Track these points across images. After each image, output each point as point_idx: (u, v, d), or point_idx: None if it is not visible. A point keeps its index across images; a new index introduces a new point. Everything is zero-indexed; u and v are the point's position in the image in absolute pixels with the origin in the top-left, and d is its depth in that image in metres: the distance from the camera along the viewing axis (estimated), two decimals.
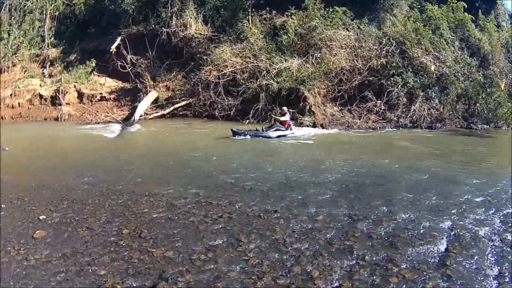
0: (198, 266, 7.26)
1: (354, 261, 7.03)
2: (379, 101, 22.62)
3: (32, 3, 43.36)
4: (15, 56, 42.65)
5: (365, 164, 14.46)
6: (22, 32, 44.16)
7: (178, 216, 9.97)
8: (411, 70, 23.39)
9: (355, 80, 23.22)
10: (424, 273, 6.60)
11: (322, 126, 21.96)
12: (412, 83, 22.79)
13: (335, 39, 24.51)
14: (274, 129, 21.18)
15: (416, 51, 23.58)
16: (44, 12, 43.36)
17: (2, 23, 46.67)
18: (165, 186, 12.49)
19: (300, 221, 9.02)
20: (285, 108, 22.36)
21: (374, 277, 6.53)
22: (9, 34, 45.31)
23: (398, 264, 6.86)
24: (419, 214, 9.18)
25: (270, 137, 20.59)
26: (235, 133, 20.58)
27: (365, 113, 22.48)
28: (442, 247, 7.55)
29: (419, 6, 27.58)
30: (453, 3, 27.78)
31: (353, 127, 21.60)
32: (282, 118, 21.43)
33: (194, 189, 12.05)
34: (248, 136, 20.53)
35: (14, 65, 42.29)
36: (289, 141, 19.69)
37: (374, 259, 7.09)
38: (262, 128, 21.47)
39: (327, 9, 26.21)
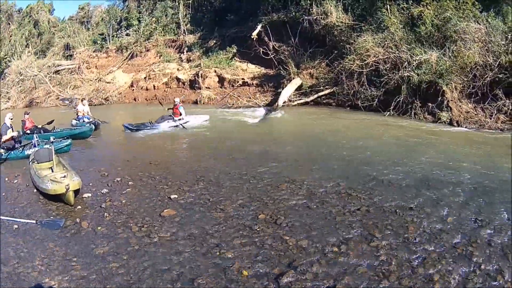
0: (329, 258, 8.20)
1: (471, 268, 7.73)
2: (507, 101, 22.33)
3: None
4: (149, 42, 50.35)
5: (494, 167, 14.32)
6: (154, 19, 51.46)
7: (317, 205, 11.05)
8: None
9: (487, 77, 23.07)
10: None
11: (458, 123, 22.48)
12: None
13: (468, 32, 24.80)
14: (166, 120, 25.06)
15: None
16: (177, 0, 49.66)
17: (130, 10, 53.83)
18: (306, 174, 13.94)
19: (432, 221, 9.78)
20: (177, 99, 27.03)
21: (484, 287, 7.27)
22: (139, 21, 53.40)
23: (504, 276, 7.50)
24: None
25: (161, 129, 24.25)
26: (126, 128, 23.93)
27: (495, 112, 22.34)
28: None
29: None
30: None
31: (484, 126, 21.66)
32: (181, 110, 25.69)
33: (335, 178, 13.24)
34: (140, 131, 23.82)
35: (147, 50, 50.13)
36: (431, 138, 19.81)
37: (488, 268, 7.74)
38: (150, 121, 25.01)
39: (457, 0, 26.70)
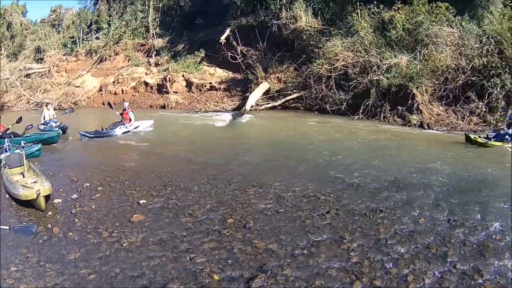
0: (300, 262, 8.18)
1: (447, 268, 7.75)
2: (480, 103, 22.89)
3: None
4: (117, 46, 49.40)
5: (466, 168, 14.69)
6: (123, 22, 50.64)
7: (285, 209, 10.98)
8: (508, 71, 23.20)
9: (459, 79, 23.66)
10: (503, 287, 7.28)
11: (429, 126, 22.79)
12: (509, 86, 22.67)
13: (440, 35, 25.19)
14: (119, 126, 24.04)
15: None
16: (147, 4, 48.72)
17: (100, 13, 53.12)
18: (274, 178, 13.80)
19: (403, 222, 9.82)
20: (126, 104, 26.18)
21: (461, 286, 7.27)
22: (109, 24, 52.59)
23: (483, 275, 7.49)
24: (509, 225, 9.59)
25: (116, 135, 23.36)
26: (83, 136, 22.61)
27: (467, 114, 22.92)
28: None
29: (511, 4, 26.74)
30: None
31: (456, 128, 22.08)
32: (130, 115, 24.74)
33: (303, 182, 13.21)
34: (98, 138, 22.76)
35: (116, 54, 49.15)
36: (401, 140, 20.19)
37: (464, 267, 7.76)
38: (102, 128, 23.75)
39: (430, 4, 26.98)
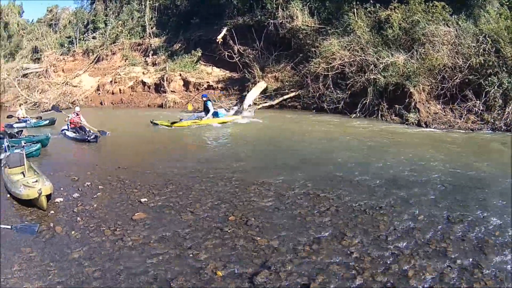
0: (302, 257, 8.18)
1: (447, 264, 7.76)
2: (478, 101, 22.82)
3: None
4: (114, 45, 49.66)
5: (464, 166, 14.66)
6: (120, 22, 50.87)
7: (286, 206, 11.01)
8: (505, 70, 23.01)
9: (456, 78, 23.66)
10: (503, 282, 7.27)
11: (426, 124, 22.71)
12: (506, 84, 22.41)
13: (437, 34, 25.21)
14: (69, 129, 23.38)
15: (509, 50, 23.36)
16: (143, 3, 49.11)
17: (97, 13, 53.10)
18: (274, 176, 13.78)
19: (403, 219, 9.84)
20: (77, 108, 25.15)
21: (461, 282, 7.24)
22: (105, 24, 52.74)
23: (482, 271, 7.51)
24: (508, 221, 9.61)
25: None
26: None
27: (465, 113, 22.85)
28: None
29: (507, 3, 27.44)
30: None
31: (454, 127, 22.08)
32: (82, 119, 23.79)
33: (302, 180, 13.23)
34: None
35: (113, 54, 49.36)
36: (399, 139, 20.20)
37: (463, 263, 7.80)
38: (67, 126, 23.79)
39: (427, 3, 27.06)
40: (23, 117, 30.34)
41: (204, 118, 26.21)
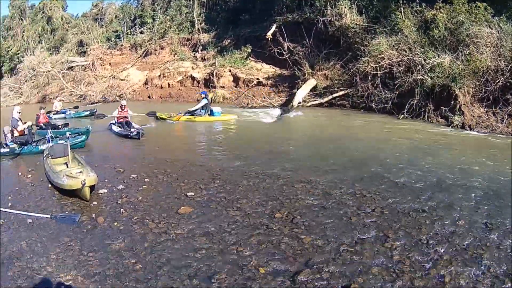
0: (344, 258, 8.40)
1: (481, 271, 7.93)
2: None
3: None
4: (163, 40, 51.25)
5: (505, 171, 14.51)
6: (168, 17, 52.52)
7: (332, 206, 11.27)
8: None
9: (499, 81, 23.37)
10: None
11: (470, 127, 22.72)
12: None
13: (480, 36, 24.93)
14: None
15: None
16: None
17: (144, 8, 54.89)
18: (322, 174, 14.12)
19: (444, 223, 10.01)
20: (123, 101, 26.31)
21: None
22: (153, 19, 54.55)
23: None
24: None
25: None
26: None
27: (506, 117, 22.53)
28: None
29: None
30: None
31: (495, 131, 21.87)
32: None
33: (350, 180, 13.51)
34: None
35: (162, 48, 51.05)
36: (444, 141, 20.17)
37: (496, 271, 7.94)
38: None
39: (470, 3, 26.85)
40: (61, 109, 32.47)
41: (196, 113, 28.03)
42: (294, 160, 16.46)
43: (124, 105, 25.61)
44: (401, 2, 30.18)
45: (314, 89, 34.12)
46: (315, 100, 33.20)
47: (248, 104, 35.82)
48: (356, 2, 33.86)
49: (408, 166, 15.17)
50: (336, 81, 33.45)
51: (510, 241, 9.15)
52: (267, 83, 39.50)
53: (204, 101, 28.83)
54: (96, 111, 31.88)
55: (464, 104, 24.23)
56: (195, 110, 28.29)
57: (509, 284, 7.62)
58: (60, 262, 8.45)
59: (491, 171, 14.66)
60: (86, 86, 49.46)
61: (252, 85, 40.15)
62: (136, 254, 8.72)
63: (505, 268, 8.11)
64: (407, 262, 8.33)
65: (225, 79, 42.27)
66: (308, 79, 34.60)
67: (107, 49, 56.91)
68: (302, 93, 33.25)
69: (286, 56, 37.87)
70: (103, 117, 27.96)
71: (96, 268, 8.22)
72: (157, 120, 28.53)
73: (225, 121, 27.96)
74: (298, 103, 32.14)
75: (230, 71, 42.27)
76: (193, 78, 44.80)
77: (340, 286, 7.59)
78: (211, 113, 28.53)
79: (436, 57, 26.19)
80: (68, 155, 15.23)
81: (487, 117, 23.54)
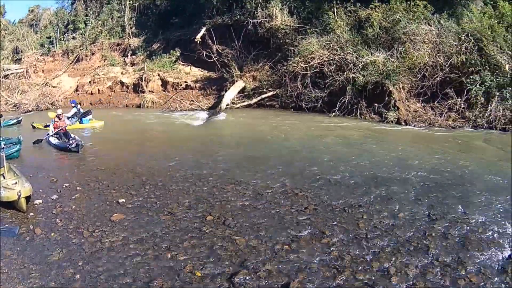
0: (281, 256, 8.26)
1: (429, 261, 7.84)
2: (459, 99, 22.79)
3: None
4: (94, 45, 48.64)
5: (445, 163, 14.67)
6: (100, 22, 49.88)
7: (264, 206, 11.00)
8: (488, 68, 22.94)
9: (437, 77, 23.64)
10: (488, 278, 7.34)
11: (406, 122, 22.67)
12: (489, 82, 22.30)
13: (417, 33, 25.14)
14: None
15: (492, 48, 23.24)
16: (123, 3, 48.02)
17: (77, 13, 52.12)
18: (252, 175, 13.84)
19: (382, 217, 9.90)
20: (59, 110, 23.66)
21: (445, 278, 7.33)
22: (85, 24, 51.64)
23: (466, 267, 7.60)
24: (491, 218, 9.70)
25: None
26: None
27: (446, 111, 22.82)
28: (506, 254, 8.16)
29: (491, 2, 27.40)
30: None
31: (434, 124, 21.98)
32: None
33: (280, 179, 13.22)
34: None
35: (93, 54, 48.37)
36: (378, 137, 20.13)
37: (446, 260, 7.86)
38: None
39: (408, 2, 26.87)
40: None
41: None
42: (223, 162, 16.12)
43: (61, 114, 23.20)
44: (334, 2, 29.77)
45: (242, 90, 32.85)
46: (243, 102, 31.97)
47: (176, 108, 34.09)
48: (287, 3, 32.89)
49: (341, 163, 15.07)
50: (265, 82, 32.36)
51: (458, 230, 9.15)
52: (196, 86, 37.62)
53: (74, 110, 28.27)
54: (21, 119, 30.30)
55: (399, 100, 24.28)
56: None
57: (463, 272, 7.52)
58: (6, 276, 8.01)
59: (430, 163, 14.86)
60: (21, 94, 46.00)
61: (180, 89, 37.95)
62: (75, 264, 8.36)
63: (456, 256, 8.05)
64: (347, 257, 8.11)
65: (154, 83, 39.72)
66: (236, 81, 33.33)
67: (41, 55, 53.54)
68: (230, 95, 31.93)
69: (215, 59, 36.12)
70: (40, 141, 24.11)
71: (39, 280, 7.84)
72: (33, 129, 26.94)
73: (92, 128, 27.17)
74: (227, 105, 30.92)
75: (159, 75, 39.91)
76: (122, 83, 42.22)
77: (279, 285, 7.36)
78: (81, 121, 27.48)
79: (369, 55, 26.10)
80: (3, 166, 13.69)
81: (424, 112, 23.83)
